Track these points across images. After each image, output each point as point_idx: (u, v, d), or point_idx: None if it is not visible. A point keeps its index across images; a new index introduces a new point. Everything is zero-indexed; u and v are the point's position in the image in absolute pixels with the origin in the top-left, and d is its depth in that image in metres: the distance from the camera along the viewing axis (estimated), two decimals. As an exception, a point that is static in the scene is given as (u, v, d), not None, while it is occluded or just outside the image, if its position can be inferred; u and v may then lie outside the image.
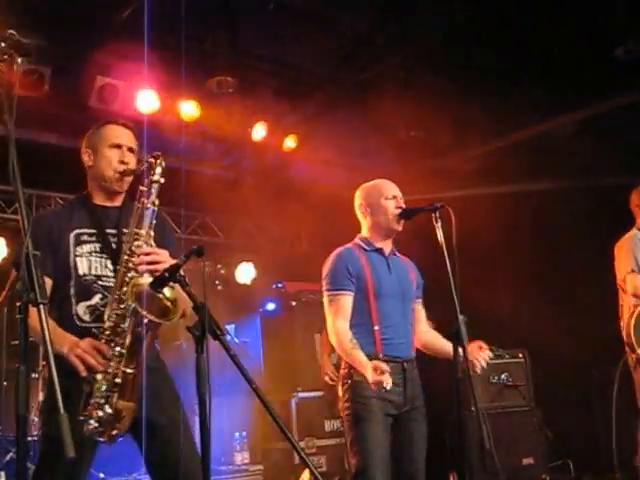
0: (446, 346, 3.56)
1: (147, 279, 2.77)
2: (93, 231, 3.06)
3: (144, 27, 5.83)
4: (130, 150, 3.13)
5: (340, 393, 3.68)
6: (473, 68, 6.45)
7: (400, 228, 3.77)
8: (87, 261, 3.01)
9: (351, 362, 3.57)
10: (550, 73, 6.31)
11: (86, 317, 2.96)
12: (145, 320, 2.72)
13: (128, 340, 2.77)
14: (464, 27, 6.15)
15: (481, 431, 3.32)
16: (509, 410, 6.18)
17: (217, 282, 7.79)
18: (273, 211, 7.60)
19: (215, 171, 7.53)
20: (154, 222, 2.95)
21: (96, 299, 2.97)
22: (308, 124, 7.31)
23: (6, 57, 2.34)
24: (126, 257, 2.89)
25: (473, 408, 3.44)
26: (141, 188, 2.97)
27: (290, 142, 7.24)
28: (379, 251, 3.79)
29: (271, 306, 7.89)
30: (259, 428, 6.65)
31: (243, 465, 6.31)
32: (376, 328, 3.62)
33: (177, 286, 2.66)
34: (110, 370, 2.76)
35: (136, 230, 2.92)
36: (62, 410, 1.94)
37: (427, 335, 3.88)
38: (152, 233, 2.94)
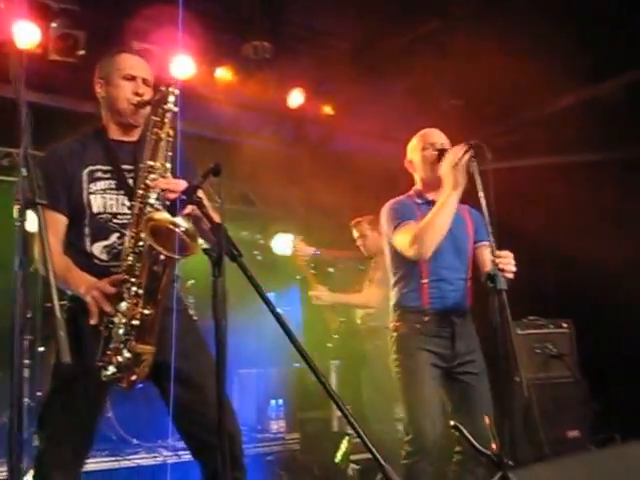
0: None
1: (163, 214, 2.63)
2: (108, 168, 2.91)
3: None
4: (144, 82, 2.97)
5: (389, 345, 3.66)
6: (516, 32, 6.24)
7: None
8: (102, 198, 2.86)
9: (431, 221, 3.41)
10: (597, 36, 6.07)
11: (103, 256, 2.84)
12: (161, 257, 2.58)
13: (145, 279, 2.62)
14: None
15: (528, 400, 3.21)
16: (554, 381, 6.00)
17: (256, 252, 7.70)
18: (313, 182, 7.50)
19: (252, 140, 7.42)
20: (169, 154, 2.80)
21: (113, 238, 2.85)
22: (346, 92, 7.16)
23: None
24: (141, 192, 2.74)
25: (517, 378, 3.31)
26: (153, 118, 2.82)
27: (328, 110, 7.13)
28: (432, 203, 3.60)
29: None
30: (295, 397, 6.61)
31: (279, 433, 6.24)
32: (424, 281, 3.55)
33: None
34: (127, 311, 2.62)
35: (150, 163, 2.76)
36: (58, 314, 1.85)
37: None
38: (168, 165, 2.79)
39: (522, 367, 3.23)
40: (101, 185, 2.89)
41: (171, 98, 2.80)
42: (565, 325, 6.24)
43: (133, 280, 2.64)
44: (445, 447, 3.57)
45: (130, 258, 2.68)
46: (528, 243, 6.66)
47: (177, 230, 2.56)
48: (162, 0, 5.81)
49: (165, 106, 2.79)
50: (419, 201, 3.68)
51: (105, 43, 5.94)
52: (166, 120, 2.79)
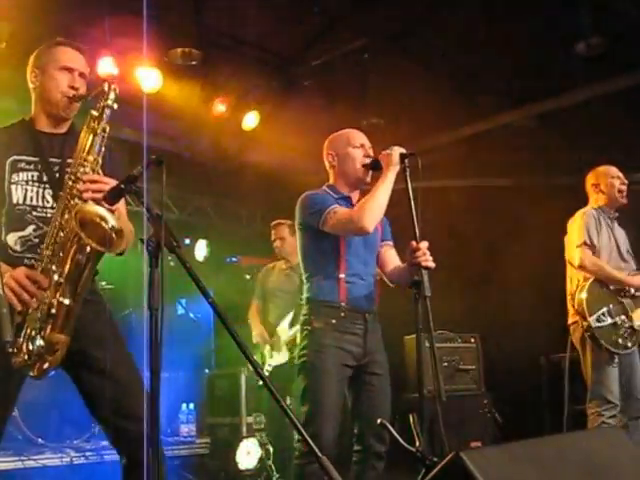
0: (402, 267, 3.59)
1: (92, 206, 2.65)
2: (33, 159, 2.89)
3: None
4: (81, 75, 2.96)
5: (298, 340, 3.60)
6: (436, 56, 6.47)
7: (368, 179, 3.66)
8: (22, 190, 2.85)
9: None
10: (512, 65, 6.35)
11: (17, 247, 2.81)
12: (87, 249, 2.60)
13: (67, 269, 2.63)
14: (429, 16, 6.16)
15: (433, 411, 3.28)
16: (459, 393, 6.19)
17: (170, 258, 7.59)
18: (230, 190, 7.55)
19: (173, 146, 7.39)
20: (103, 149, 2.82)
21: (29, 230, 2.82)
22: (270, 104, 7.24)
23: None
24: (70, 183, 2.74)
25: (426, 390, 3.42)
26: (92, 112, 2.82)
27: (250, 120, 7.17)
28: (347, 199, 3.67)
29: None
30: (206, 402, 6.59)
31: (189, 437, 6.20)
32: (341, 276, 3.54)
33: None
34: (45, 300, 2.61)
35: (83, 156, 2.78)
36: (0, 291, 1.84)
37: (394, 270, 3.74)
38: (100, 161, 2.81)
39: (434, 377, 3.34)
40: (24, 176, 2.86)
41: (112, 95, 2.82)
42: (472, 340, 6.45)
43: (54, 268, 2.64)
44: (345, 445, 3.57)
45: (52, 247, 2.67)
46: (436, 261, 6.85)
47: (105, 225, 2.60)
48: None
49: (106, 102, 2.81)
50: (335, 195, 3.66)
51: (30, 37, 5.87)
52: (104, 116, 2.81)
